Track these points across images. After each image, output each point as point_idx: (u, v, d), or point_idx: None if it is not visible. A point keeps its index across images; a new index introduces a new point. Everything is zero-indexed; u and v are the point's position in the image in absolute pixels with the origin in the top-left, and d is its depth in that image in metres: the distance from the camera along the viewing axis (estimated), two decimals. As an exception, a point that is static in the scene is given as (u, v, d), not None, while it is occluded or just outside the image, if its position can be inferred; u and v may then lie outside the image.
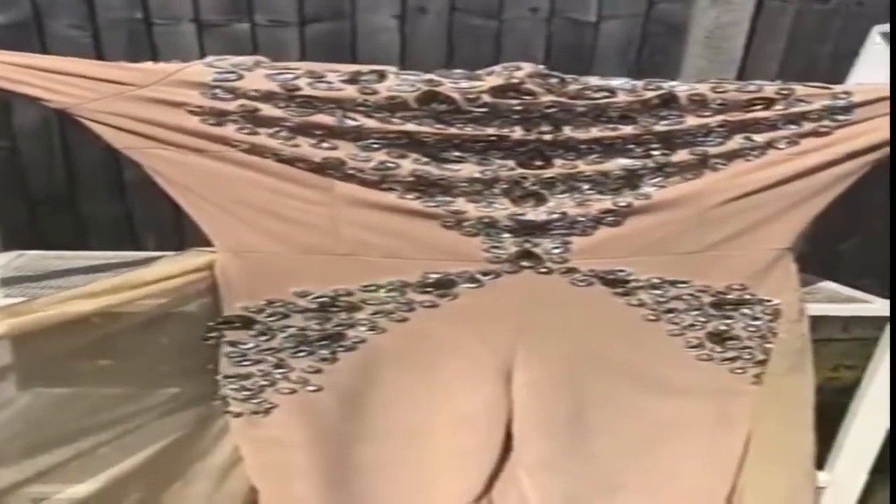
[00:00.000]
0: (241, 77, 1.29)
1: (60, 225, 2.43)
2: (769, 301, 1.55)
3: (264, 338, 1.48)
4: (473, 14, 2.29)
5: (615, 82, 1.35)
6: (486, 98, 1.32)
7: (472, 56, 2.30)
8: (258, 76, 1.29)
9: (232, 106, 1.30)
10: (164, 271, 1.37)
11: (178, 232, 2.24)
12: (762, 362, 1.60)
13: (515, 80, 1.31)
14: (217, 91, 1.29)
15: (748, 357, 1.60)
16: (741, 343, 1.59)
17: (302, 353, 1.51)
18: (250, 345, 1.48)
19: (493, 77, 1.32)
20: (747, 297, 1.55)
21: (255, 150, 1.34)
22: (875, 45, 1.78)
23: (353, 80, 1.30)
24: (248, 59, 1.31)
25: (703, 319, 1.57)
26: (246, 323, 1.47)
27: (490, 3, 2.28)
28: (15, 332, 1.24)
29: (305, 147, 1.34)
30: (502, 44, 2.33)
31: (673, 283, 1.53)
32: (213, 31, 2.25)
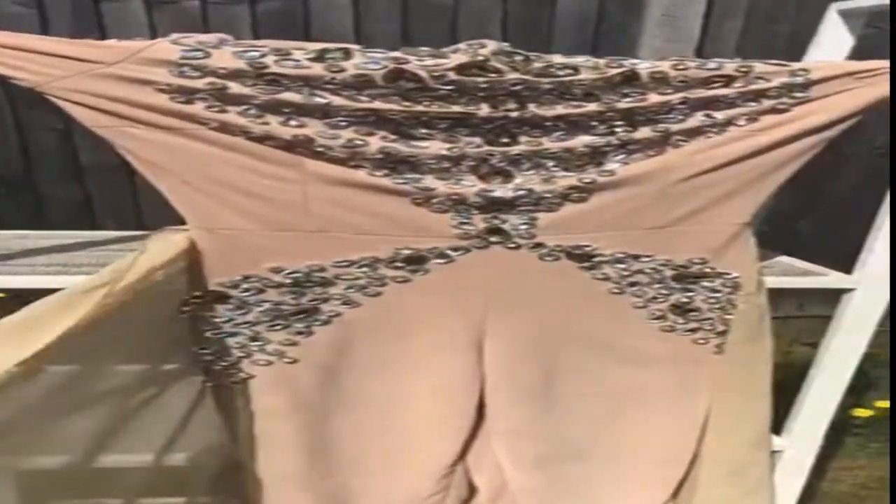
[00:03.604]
0: (207, 55, 1.18)
1: (17, 206, 2.31)
2: (728, 274, 1.48)
3: (240, 312, 1.39)
4: (428, -10, 2.16)
5: (578, 60, 1.25)
6: (452, 76, 1.21)
7: (428, 33, 2.18)
8: (225, 54, 1.18)
9: (200, 84, 1.19)
10: (147, 265, 1.24)
11: (137, 215, 2.12)
12: (723, 333, 1.52)
13: (480, 58, 1.21)
14: (185, 69, 1.18)
15: (709, 328, 1.52)
16: (702, 315, 1.51)
17: (278, 327, 1.42)
18: (225, 318, 1.39)
19: (459, 55, 1.21)
20: (707, 270, 1.47)
21: (224, 127, 1.23)
22: (833, 24, 1.69)
23: (319, 57, 1.19)
24: (212, 37, 1.20)
25: (665, 292, 1.49)
26: (221, 298, 1.37)
27: (445, -22, 2.16)
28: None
29: (274, 125, 1.23)
30: (458, 20, 2.20)
31: (636, 258, 1.44)
32: (162, 7, 2.13)
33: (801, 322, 2.69)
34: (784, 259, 1.77)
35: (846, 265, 1.62)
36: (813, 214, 2.82)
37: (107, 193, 2.34)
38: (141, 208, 2.08)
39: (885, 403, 2.65)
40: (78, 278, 1.32)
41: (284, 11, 2.17)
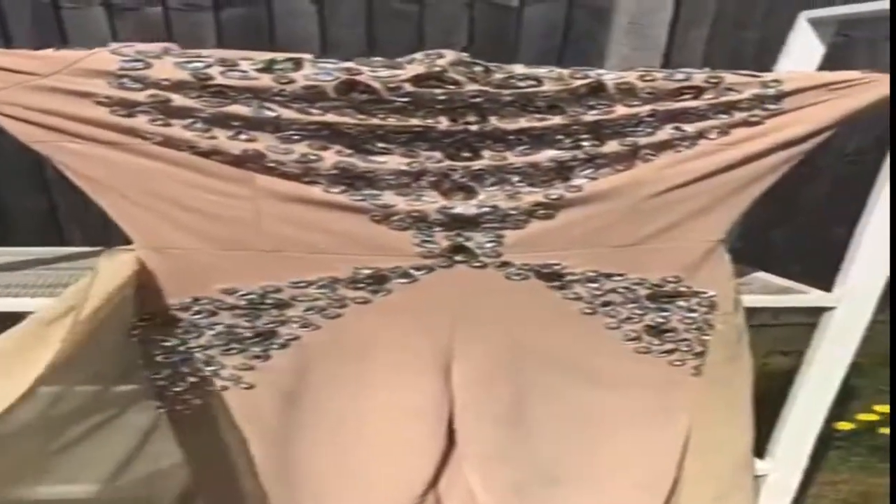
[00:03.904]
0: (148, 65, 1.11)
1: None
2: (704, 293, 1.42)
3: (192, 335, 1.33)
4: (393, -2, 2.12)
5: (541, 71, 1.19)
6: (408, 87, 1.15)
7: (395, 41, 2.14)
8: (167, 64, 1.12)
9: (141, 96, 1.12)
10: (104, 289, 1.17)
11: (105, 225, 2.08)
12: (700, 354, 1.47)
13: (437, 69, 1.15)
14: (124, 80, 1.11)
15: (686, 349, 1.47)
16: (678, 335, 1.46)
17: (233, 351, 1.36)
18: (176, 342, 1.33)
19: (415, 65, 1.15)
20: (682, 289, 1.41)
21: (169, 142, 1.17)
22: (803, 32, 1.64)
23: (267, 68, 1.13)
24: (155, 47, 1.14)
25: (639, 312, 1.43)
26: (171, 321, 1.31)
27: (410, -14, 2.11)
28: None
29: (222, 139, 1.17)
30: (424, 29, 2.16)
31: (608, 276, 1.39)
32: (124, 14, 2.08)
33: (776, 331, 2.67)
34: (761, 275, 1.73)
35: (822, 273, 1.58)
36: (786, 224, 2.79)
37: (72, 203, 2.31)
38: (107, 218, 2.04)
39: (868, 416, 2.63)
40: (38, 301, 1.34)
41: (249, 18, 2.14)
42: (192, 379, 1.36)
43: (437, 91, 1.16)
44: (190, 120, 1.16)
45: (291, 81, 1.13)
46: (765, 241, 2.77)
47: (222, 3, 2.11)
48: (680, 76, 1.23)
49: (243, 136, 1.17)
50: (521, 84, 1.18)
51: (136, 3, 2.08)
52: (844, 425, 2.62)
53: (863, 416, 2.66)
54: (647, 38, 2.16)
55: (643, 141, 1.27)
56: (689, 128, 1.27)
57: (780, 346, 2.64)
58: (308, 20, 2.15)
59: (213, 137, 1.17)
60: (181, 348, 1.34)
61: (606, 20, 2.22)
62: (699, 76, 1.24)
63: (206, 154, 1.18)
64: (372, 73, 1.14)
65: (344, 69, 1.13)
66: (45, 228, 2.37)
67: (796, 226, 2.79)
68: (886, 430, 2.57)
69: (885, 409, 2.62)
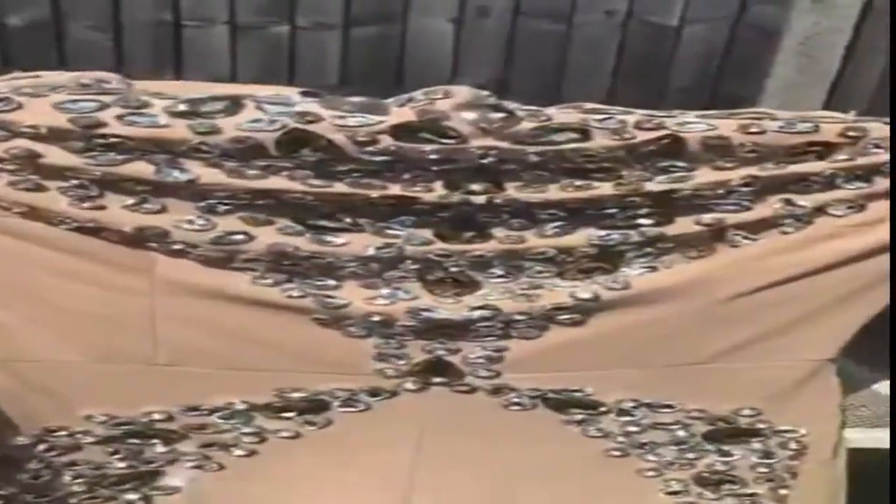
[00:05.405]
0: (17, 106, 1.04)
1: None
2: (792, 432, 1.38)
3: (41, 479, 1.29)
4: (540, 17, 2.15)
5: (593, 118, 1.11)
6: (388, 141, 1.08)
7: (535, 62, 2.16)
8: (42, 106, 1.04)
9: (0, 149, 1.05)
10: None
11: None
12: None
13: (432, 115, 1.07)
14: None
15: None
16: (744, 487, 1.43)
17: (100, 499, 1.33)
18: (15, 490, 1.29)
19: (406, 109, 1.08)
20: (760, 425, 1.37)
21: (36, 213, 1.10)
22: None
23: (190, 112, 1.05)
24: (55, 77, 1.09)
25: (691, 456, 1.40)
26: (11, 460, 1.27)
27: (560, 5, 2.14)
28: None
29: (115, 210, 1.11)
30: (569, 50, 2.19)
31: (652, 407, 1.35)
32: (248, 33, 2.19)
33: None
34: (878, 391, 1.59)
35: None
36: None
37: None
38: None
39: None
40: None
41: (379, 38, 2.18)
42: None
43: (428, 147, 1.09)
44: (69, 182, 1.09)
45: (215, 131, 1.06)
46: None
47: (353, 21, 2.15)
48: (804, 127, 1.15)
49: (148, 206, 1.11)
50: (557, 139, 1.11)
51: (261, 22, 2.16)
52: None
53: None
54: (817, 62, 2.19)
55: (733, 219, 1.20)
56: (805, 200, 1.20)
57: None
58: (443, 40, 2.19)
59: (100, 207, 1.10)
60: (27, 498, 1.30)
61: (775, 41, 2.26)
62: (832, 127, 1.15)
63: (90, 231, 1.12)
64: (337, 119, 1.06)
65: (296, 114, 1.06)
66: None
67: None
68: None
69: None
